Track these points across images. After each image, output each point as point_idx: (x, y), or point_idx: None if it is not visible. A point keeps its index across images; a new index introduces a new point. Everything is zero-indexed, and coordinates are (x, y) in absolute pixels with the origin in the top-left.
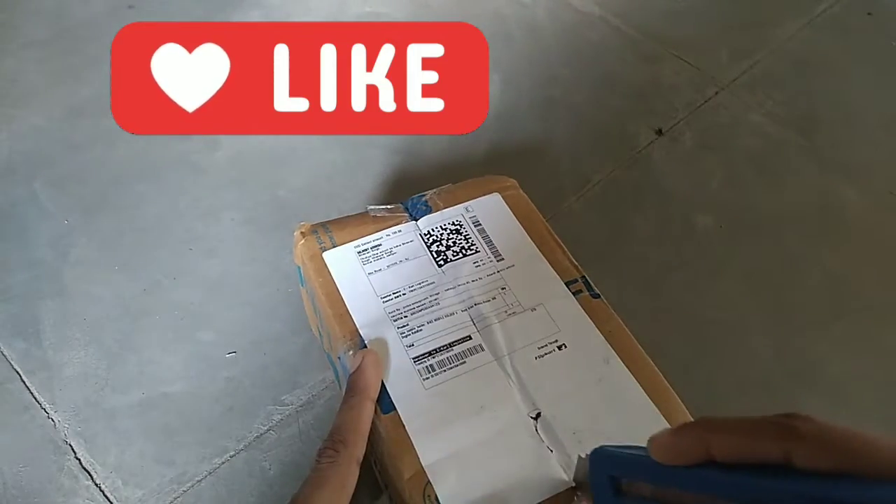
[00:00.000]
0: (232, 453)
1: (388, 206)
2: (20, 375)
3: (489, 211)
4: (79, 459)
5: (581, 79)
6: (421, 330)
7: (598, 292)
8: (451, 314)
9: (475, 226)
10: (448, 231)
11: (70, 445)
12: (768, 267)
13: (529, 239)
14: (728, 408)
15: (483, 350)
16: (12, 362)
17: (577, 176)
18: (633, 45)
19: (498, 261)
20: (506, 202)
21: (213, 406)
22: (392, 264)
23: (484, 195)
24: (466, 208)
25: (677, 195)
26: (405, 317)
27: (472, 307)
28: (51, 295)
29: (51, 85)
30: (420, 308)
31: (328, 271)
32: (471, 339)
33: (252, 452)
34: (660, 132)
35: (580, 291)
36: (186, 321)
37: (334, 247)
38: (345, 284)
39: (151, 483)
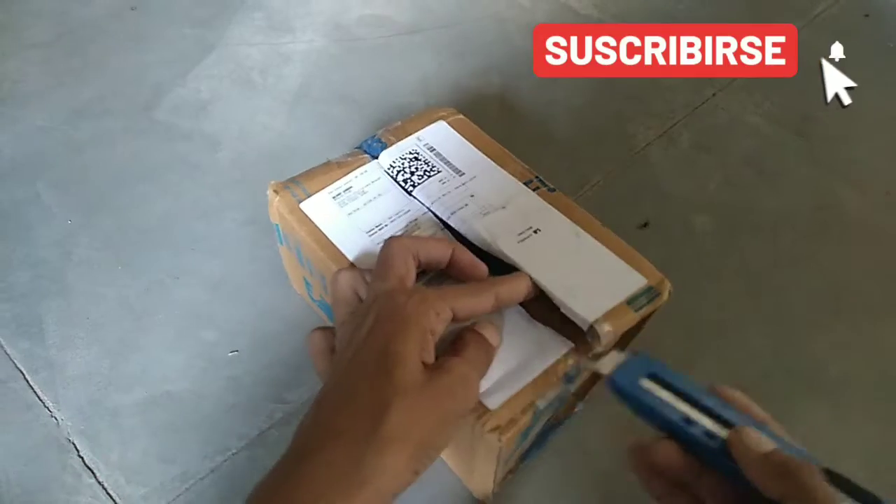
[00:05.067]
0: (234, 451)
1: (347, 153)
2: (23, 374)
3: (439, 137)
4: (82, 458)
5: (580, 80)
6: None
7: (554, 187)
8: (433, 234)
9: (430, 151)
10: (408, 159)
11: (73, 444)
12: (767, 267)
13: (482, 154)
14: None
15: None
16: (15, 361)
17: (576, 176)
18: None
19: (460, 175)
20: (452, 127)
21: (215, 404)
22: (368, 202)
23: (430, 124)
24: (418, 138)
25: (676, 195)
26: None
27: (449, 217)
28: (54, 294)
29: (53, 86)
30: (405, 234)
31: (310, 220)
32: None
33: (254, 450)
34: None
35: (538, 188)
36: (189, 320)
37: (308, 197)
38: (329, 228)
39: (154, 481)
